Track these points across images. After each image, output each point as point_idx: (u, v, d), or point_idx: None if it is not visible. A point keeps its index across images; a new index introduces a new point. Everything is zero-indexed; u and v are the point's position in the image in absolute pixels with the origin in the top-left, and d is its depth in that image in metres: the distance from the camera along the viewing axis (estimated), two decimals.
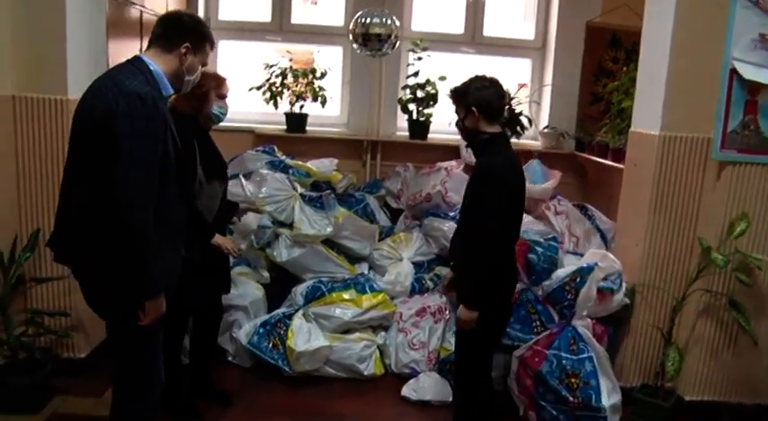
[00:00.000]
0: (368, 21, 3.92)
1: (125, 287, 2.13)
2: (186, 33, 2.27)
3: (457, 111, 2.72)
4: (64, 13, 3.16)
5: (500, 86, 2.67)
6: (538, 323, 3.39)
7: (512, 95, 4.77)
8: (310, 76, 4.83)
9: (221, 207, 3.08)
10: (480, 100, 2.59)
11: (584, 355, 3.16)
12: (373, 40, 3.91)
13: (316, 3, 5.32)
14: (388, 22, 3.91)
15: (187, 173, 2.64)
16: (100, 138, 2.04)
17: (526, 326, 3.38)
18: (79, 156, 2.15)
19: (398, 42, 4.05)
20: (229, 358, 3.73)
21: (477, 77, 2.69)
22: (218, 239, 3.00)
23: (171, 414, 3.07)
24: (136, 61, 2.21)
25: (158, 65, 2.22)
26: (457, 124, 2.74)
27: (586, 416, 3.07)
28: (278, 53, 5.01)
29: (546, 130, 4.92)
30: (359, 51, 4.16)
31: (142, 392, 2.34)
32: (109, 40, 3.50)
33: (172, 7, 4.38)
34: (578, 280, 3.30)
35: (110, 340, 2.38)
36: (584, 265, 3.35)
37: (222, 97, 3.01)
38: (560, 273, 3.37)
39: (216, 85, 2.97)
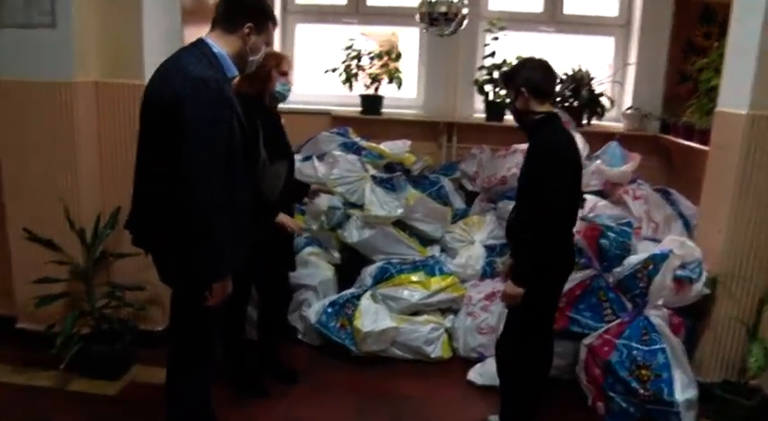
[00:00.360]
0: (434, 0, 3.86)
1: (194, 267, 2.18)
2: (248, 13, 2.27)
3: (508, 94, 2.73)
4: (140, 3, 3.29)
5: (549, 67, 2.66)
6: (609, 311, 3.26)
7: (592, 76, 4.60)
8: (385, 58, 4.82)
9: (286, 187, 3.13)
10: (529, 80, 2.59)
11: (657, 346, 3.02)
12: (440, 20, 3.84)
13: None
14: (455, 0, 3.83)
15: (251, 154, 2.70)
16: (169, 123, 2.09)
17: (596, 314, 3.27)
18: (150, 139, 2.23)
19: (466, 20, 3.95)
20: (299, 336, 3.80)
21: (526, 59, 2.74)
22: (281, 218, 3.04)
23: (236, 389, 3.19)
24: (199, 44, 2.25)
25: (221, 46, 2.24)
26: (508, 107, 2.74)
27: (658, 410, 2.93)
28: (362, 37, 5.02)
29: (629, 111, 4.69)
30: (426, 31, 4.10)
31: (198, 369, 2.43)
32: (184, 25, 3.60)
33: None
34: (651, 267, 3.14)
35: (171, 317, 2.46)
36: (659, 252, 3.18)
37: (284, 74, 3.01)
38: (632, 260, 3.22)
39: (276, 63, 2.97)
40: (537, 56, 2.74)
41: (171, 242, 2.23)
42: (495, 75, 4.67)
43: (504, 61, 4.66)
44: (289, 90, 3.06)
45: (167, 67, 2.22)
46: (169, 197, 2.14)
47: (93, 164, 3.41)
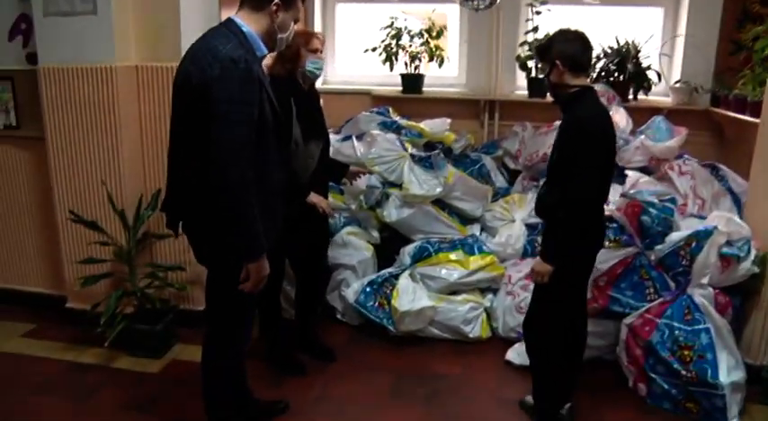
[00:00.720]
0: None
1: (227, 249, 2.20)
2: None
3: (542, 67, 2.67)
4: None
5: (585, 39, 2.57)
6: (651, 290, 3.16)
7: (638, 48, 4.43)
8: (426, 36, 4.77)
9: (321, 167, 3.13)
10: (564, 53, 2.51)
11: (700, 326, 2.92)
12: None
13: None
14: None
15: (283, 135, 2.69)
16: (199, 104, 2.08)
17: (638, 293, 3.17)
18: (182, 121, 2.23)
19: None
20: (338, 316, 3.83)
21: (561, 31, 2.63)
22: (312, 198, 3.05)
23: (273, 367, 3.24)
24: (228, 23, 2.23)
25: (250, 25, 2.21)
26: (543, 80, 2.69)
27: (701, 392, 2.84)
28: (402, 14, 4.97)
29: (677, 85, 4.51)
30: (461, 6, 4.02)
31: (231, 351, 2.48)
32: (222, 7, 3.62)
33: None
34: (694, 244, 3.02)
35: (207, 297, 2.50)
36: (702, 229, 3.05)
37: (314, 52, 2.96)
38: (674, 237, 3.10)
39: (305, 40, 2.93)
40: (573, 27, 2.65)
41: (204, 223, 2.26)
42: None
43: (548, 35, 4.52)
44: (320, 67, 3.02)
45: (196, 48, 2.20)
46: (200, 178, 2.15)
47: (134, 146, 3.49)
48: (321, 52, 3.02)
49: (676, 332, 2.92)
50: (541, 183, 4.00)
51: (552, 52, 2.56)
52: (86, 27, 3.30)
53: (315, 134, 3.06)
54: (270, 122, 2.24)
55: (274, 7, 2.22)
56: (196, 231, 2.34)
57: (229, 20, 2.24)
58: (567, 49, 2.52)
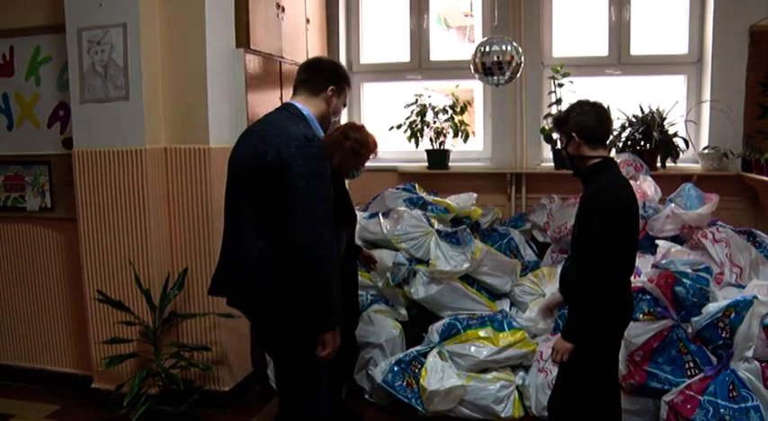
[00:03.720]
0: (487, 49, 3.85)
1: (305, 321, 2.23)
2: (330, 76, 2.42)
3: (560, 140, 2.70)
4: (205, 71, 3.49)
5: (602, 110, 2.58)
6: (691, 364, 3.04)
7: (663, 116, 4.43)
8: (450, 112, 4.85)
9: (347, 252, 3.19)
10: (580, 124, 2.53)
11: (749, 404, 2.78)
12: (494, 69, 3.83)
13: (473, 41, 5.36)
14: (508, 47, 3.81)
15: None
16: (273, 182, 2.17)
17: (677, 368, 3.05)
18: (251, 200, 2.27)
19: (521, 67, 3.93)
20: (366, 396, 3.74)
21: (577, 102, 2.65)
22: None
23: None
24: (288, 107, 2.38)
25: (309, 108, 2.37)
26: (562, 153, 2.70)
27: None
28: (426, 91, 5.09)
29: (706, 151, 4.47)
30: (481, 81, 4.10)
31: None
32: (248, 91, 3.75)
33: (311, 56, 4.63)
34: (733, 315, 2.91)
35: (279, 378, 2.51)
36: (741, 298, 2.95)
37: (366, 160, 3.19)
38: (711, 308, 3.00)
39: (373, 147, 3.16)
40: (591, 98, 2.67)
41: (277, 297, 2.24)
42: None
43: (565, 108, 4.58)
44: (360, 175, 3.25)
45: (264, 128, 2.32)
46: (277, 256, 2.20)
47: (162, 227, 3.56)
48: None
49: (722, 410, 2.78)
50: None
51: (568, 124, 2.57)
52: (119, 112, 3.45)
53: (346, 221, 3.14)
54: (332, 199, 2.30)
55: (330, 92, 2.41)
56: (269, 309, 2.28)
57: (290, 104, 2.40)
58: (582, 121, 2.54)
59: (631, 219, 2.47)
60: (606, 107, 2.65)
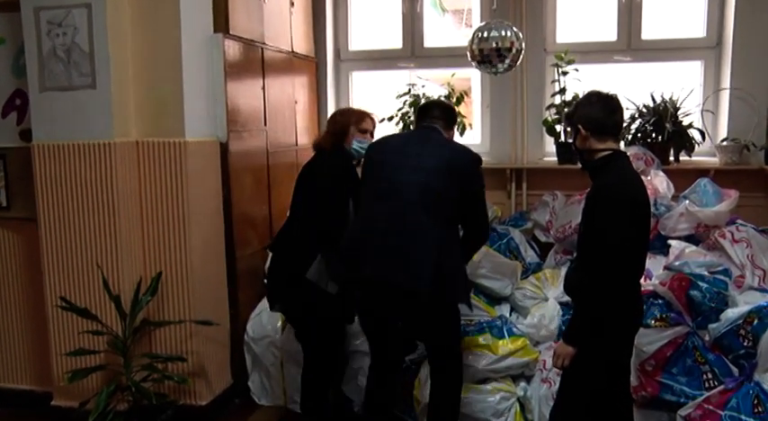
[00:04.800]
0: (485, 35, 3.72)
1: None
2: (455, 119, 3.27)
3: (570, 133, 2.72)
4: (180, 58, 3.39)
5: (610, 101, 2.56)
6: (709, 375, 2.94)
7: (677, 106, 4.30)
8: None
9: None
10: (586, 116, 2.52)
11: None
12: (492, 56, 3.71)
13: (470, 26, 5.25)
14: (508, 33, 3.68)
15: None
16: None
17: (694, 380, 2.95)
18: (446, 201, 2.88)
19: (522, 54, 3.81)
20: (356, 409, 3.64)
21: (586, 94, 2.70)
22: None
23: None
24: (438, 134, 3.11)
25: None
26: (571, 146, 2.70)
27: None
28: (419, 80, 4.98)
29: (725, 143, 4.33)
30: (478, 69, 3.98)
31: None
32: (228, 80, 3.65)
33: (296, 43, 4.52)
34: (756, 322, 2.80)
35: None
36: (764, 304, 2.85)
37: (364, 132, 3.29)
38: (730, 314, 2.90)
39: (356, 119, 3.29)
40: (601, 89, 2.66)
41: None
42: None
43: (576, 98, 4.44)
44: (365, 148, 3.24)
45: (443, 144, 3.06)
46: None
47: (134, 227, 3.45)
48: (372, 135, 3.35)
49: None
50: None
51: (575, 116, 2.57)
52: (84, 102, 3.34)
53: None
54: None
55: (453, 130, 3.25)
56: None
57: (435, 127, 3.10)
58: (589, 113, 2.55)
59: (639, 215, 2.42)
60: (617, 98, 2.60)
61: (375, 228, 2.90)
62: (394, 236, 2.84)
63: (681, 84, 4.51)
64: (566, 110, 4.27)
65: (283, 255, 3.27)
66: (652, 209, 3.66)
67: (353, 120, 3.28)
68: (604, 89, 2.68)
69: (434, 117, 3.10)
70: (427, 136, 3.05)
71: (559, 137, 4.55)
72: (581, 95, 4.31)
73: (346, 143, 3.25)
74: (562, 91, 4.51)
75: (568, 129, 2.74)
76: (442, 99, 3.49)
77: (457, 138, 4.84)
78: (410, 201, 2.85)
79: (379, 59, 5.08)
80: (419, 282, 2.79)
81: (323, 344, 3.25)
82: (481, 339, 3.53)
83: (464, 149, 3.02)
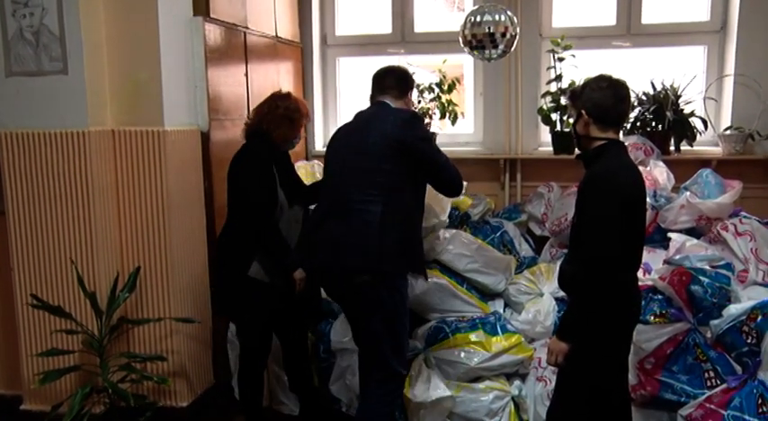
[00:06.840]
0: (478, 19, 3.71)
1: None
2: (410, 85, 3.27)
3: (571, 115, 2.68)
4: (157, 42, 3.37)
5: (621, 88, 2.52)
6: (711, 373, 2.95)
7: (678, 93, 4.31)
8: (437, 91, 4.71)
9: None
10: (592, 101, 2.49)
11: None
12: (485, 41, 3.70)
13: (462, 10, 5.24)
14: (501, 17, 3.67)
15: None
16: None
17: (695, 378, 2.96)
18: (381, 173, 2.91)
19: (516, 40, 3.81)
20: (344, 409, 3.65)
21: (597, 76, 2.63)
22: (297, 274, 3.18)
23: None
24: (384, 105, 3.12)
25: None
26: (572, 129, 2.65)
27: None
28: (412, 66, 4.94)
29: (728, 132, 4.36)
30: (471, 55, 3.97)
31: None
32: (209, 66, 3.64)
33: (281, 27, 4.49)
34: (760, 318, 2.80)
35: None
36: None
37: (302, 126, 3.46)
38: (733, 310, 2.90)
39: (306, 112, 3.38)
40: (611, 74, 2.60)
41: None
42: (563, 101, 4.46)
43: (573, 84, 4.44)
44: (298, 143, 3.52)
45: (371, 116, 3.10)
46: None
47: (110, 220, 3.43)
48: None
49: None
50: None
51: (581, 100, 2.52)
52: (55, 88, 3.30)
53: (296, 198, 3.31)
54: None
55: (409, 96, 3.26)
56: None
57: (385, 103, 3.12)
58: (596, 98, 2.50)
59: (630, 206, 2.41)
60: (627, 85, 2.56)
61: (321, 215, 3.03)
62: (335, 222, 2.93)
63: (682, 70, 4.53)
64: (569, 89, 4.28)
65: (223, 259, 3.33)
66: (651, 200, 3.70)
67: (305, 112, 3.40)
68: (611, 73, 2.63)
69: (387, 87, 3.16)
70: (374, 114, 3.09)
71: (555, 126, 4.58)
72: (583, 81, 4.37)
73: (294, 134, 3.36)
74: (558, 78, 4.53)
75: (571, 108, 2.66)
76: (400, 65, 3.48)
77: (448, 127, 4.88)
78: (350, 183, 2.93)
79: (368, 45, 5.08)
80: (355, 263, 2.88)
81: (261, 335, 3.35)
82: (474, 336, 3.54)
83: (402, 119, 2.99)
